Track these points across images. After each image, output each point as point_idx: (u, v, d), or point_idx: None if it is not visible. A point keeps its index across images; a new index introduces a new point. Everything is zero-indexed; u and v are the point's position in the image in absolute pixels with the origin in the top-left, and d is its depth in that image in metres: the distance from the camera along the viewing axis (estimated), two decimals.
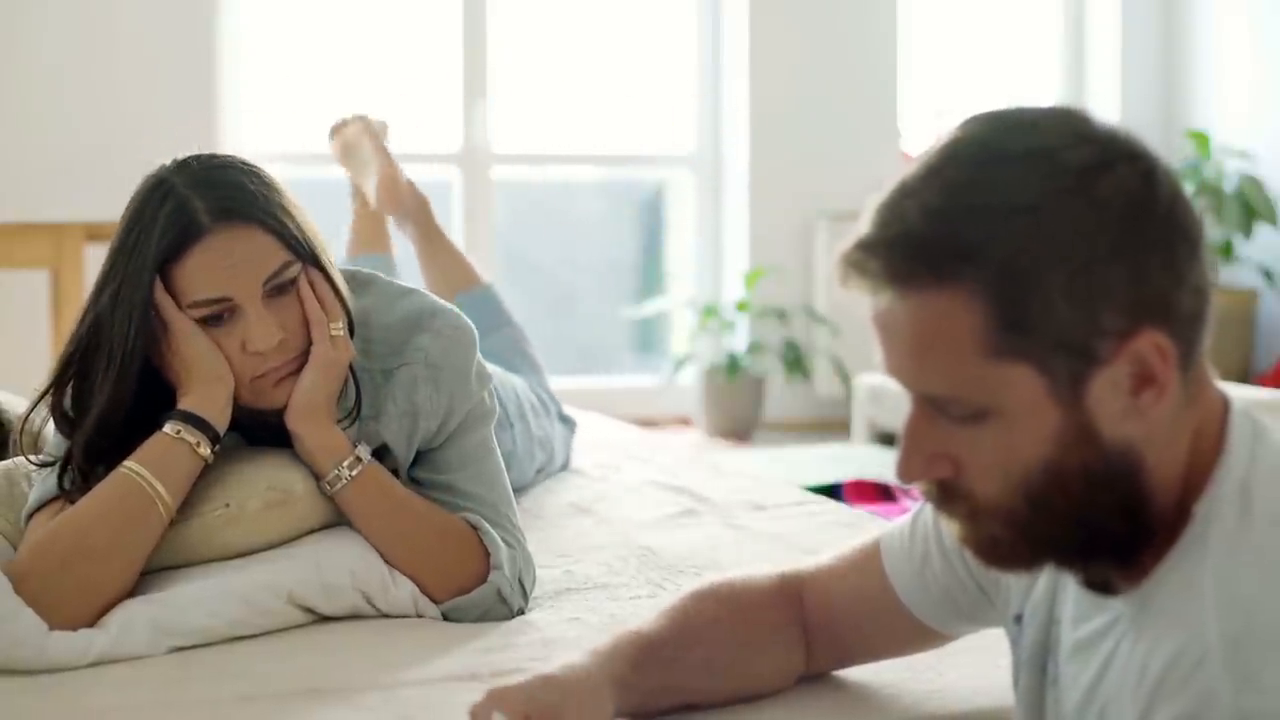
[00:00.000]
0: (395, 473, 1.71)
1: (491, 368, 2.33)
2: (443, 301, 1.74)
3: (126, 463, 1.55)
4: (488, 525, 1.66)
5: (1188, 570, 0.96)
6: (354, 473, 1.62)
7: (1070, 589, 1.09)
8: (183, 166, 1.57)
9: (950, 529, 1.03)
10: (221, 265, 1.54)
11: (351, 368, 1.66)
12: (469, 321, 1.73)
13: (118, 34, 4.79)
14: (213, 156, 1.59)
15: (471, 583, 1.63)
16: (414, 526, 1.64)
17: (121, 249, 1.56)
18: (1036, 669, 1.14)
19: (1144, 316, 0.94)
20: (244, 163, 1.60)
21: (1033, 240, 0.92)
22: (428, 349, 1.68)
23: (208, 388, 1.57)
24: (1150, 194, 0.95)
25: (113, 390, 1.55)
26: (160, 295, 1.55)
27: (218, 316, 1.56)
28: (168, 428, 1.56)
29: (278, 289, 1.58)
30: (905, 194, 0.96)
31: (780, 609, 1.35)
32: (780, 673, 1.36)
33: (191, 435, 1.56)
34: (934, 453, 0.98)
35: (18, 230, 3.90)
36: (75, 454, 1.57)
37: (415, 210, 2.75)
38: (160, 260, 1.54)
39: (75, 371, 1.58)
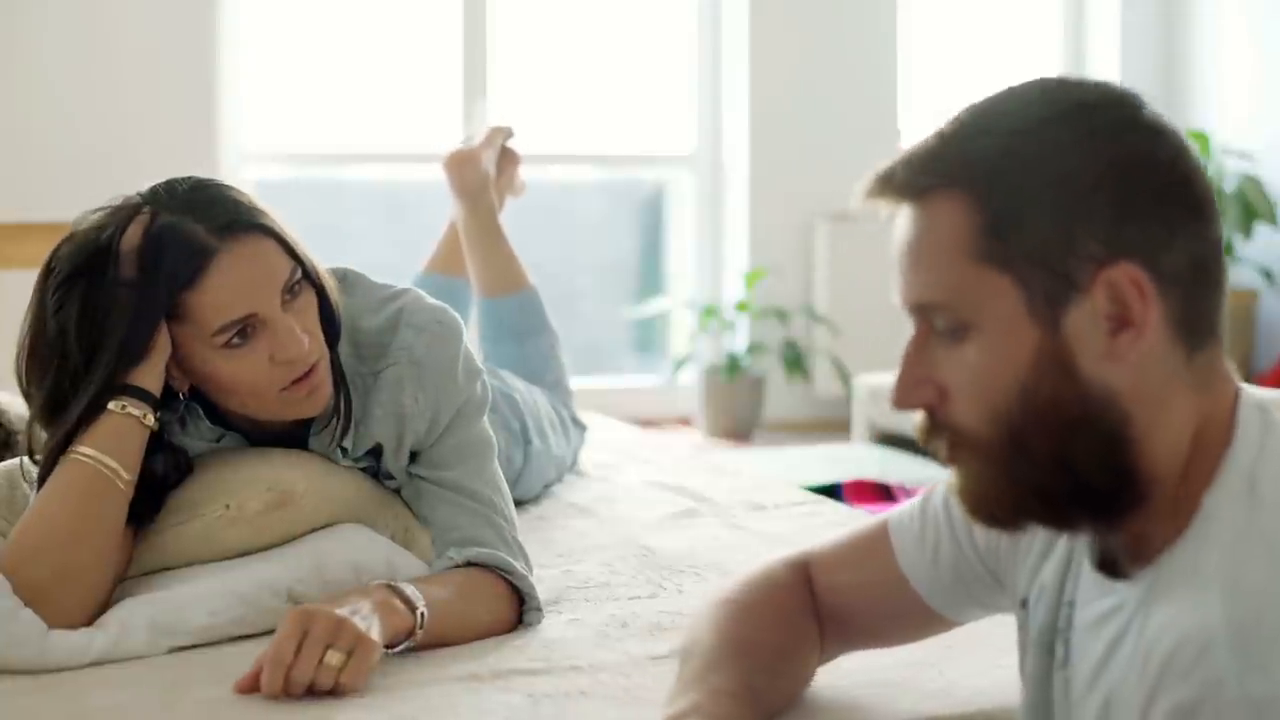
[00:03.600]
0: (391, 475, 1.71)
1: (518, 384, 2.33)
2: (429, 298, 1.72)
3: (78, 447, 1.52)
4: (512, 560, 1.62)
5: (1195, 557, 0.97)
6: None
7: (1081, 572, 1.10)
8: (155, 195, 1.53)
9: (949, 486, 1.07)
10: (242, 282, 1.51)
11: (343, 372, 1.64)
12: (455, 316, 1.71)
13: (118, 34, 4.79)
14: (178, 180, 1.55)
15: (511, 625, 1.61)
16: (463, 625, 1.56)
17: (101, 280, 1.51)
18: (1044, 650, 1.14)
19: (1124, 251, 0.97)
20: (209, 179, 1.56)
21: (1022, 155, 0.99)
22: (411, 345, 1.66)
23: (147, 361, 1.54)
24: (1151, 152, 1.00)
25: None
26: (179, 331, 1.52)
27: (241, 334, 1.53)
28: (113, 405, 1.52)
29: (291, 294, 1.56)
30: (939, 124, 1.05)
31: (799, 596, 1.34)
32: (814, 661, 1.36)
33: (137, 408, 1.53)
34: (922, 377, 1.04)
35: (18, 230, 3.90)
36: (57, 444, 1.54)
37: (474, 193, 2.59)
38: (173, 292, 1.50)
39: (54, 381, 1.54)
